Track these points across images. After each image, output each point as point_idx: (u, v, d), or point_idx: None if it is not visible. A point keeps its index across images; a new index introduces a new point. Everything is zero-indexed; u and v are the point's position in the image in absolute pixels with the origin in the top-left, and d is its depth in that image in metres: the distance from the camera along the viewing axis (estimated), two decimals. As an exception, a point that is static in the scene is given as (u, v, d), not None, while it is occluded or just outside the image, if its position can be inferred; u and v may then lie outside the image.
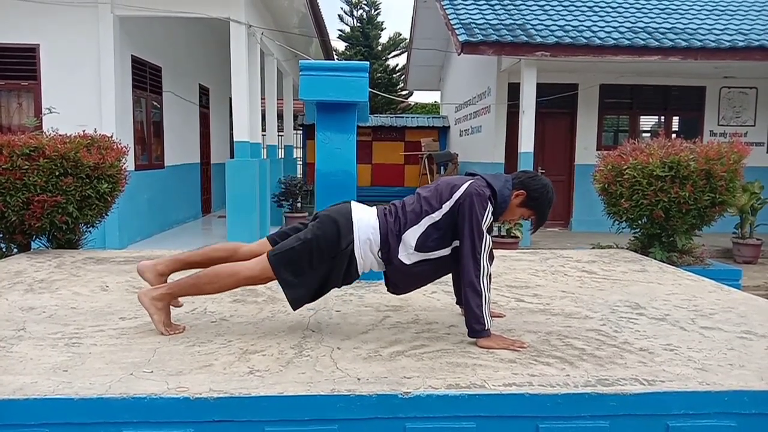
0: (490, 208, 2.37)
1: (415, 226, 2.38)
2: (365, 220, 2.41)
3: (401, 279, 2.47)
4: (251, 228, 7.95)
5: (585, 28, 9.13)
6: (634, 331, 2.60)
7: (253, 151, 8.51)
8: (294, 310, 2.49)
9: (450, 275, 2.65)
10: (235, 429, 1.85)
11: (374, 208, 2.51)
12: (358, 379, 1.99)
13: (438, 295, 3.20)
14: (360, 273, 2.45)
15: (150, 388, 1.88)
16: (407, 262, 2.38)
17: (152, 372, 2.03)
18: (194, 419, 1.84)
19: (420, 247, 2.37)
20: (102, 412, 1.82)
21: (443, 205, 2.38)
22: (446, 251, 2.41)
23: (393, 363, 2.15)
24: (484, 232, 2.34)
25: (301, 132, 16.37)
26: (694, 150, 4.64)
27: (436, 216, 2.38)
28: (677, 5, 10.27)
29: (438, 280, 2.75)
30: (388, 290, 2.55)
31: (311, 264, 2.36)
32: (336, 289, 2.53)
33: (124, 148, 4.89)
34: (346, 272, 2.41)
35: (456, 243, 2.40)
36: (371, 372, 2.05)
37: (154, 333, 2.46)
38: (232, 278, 2.44)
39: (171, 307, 2.56)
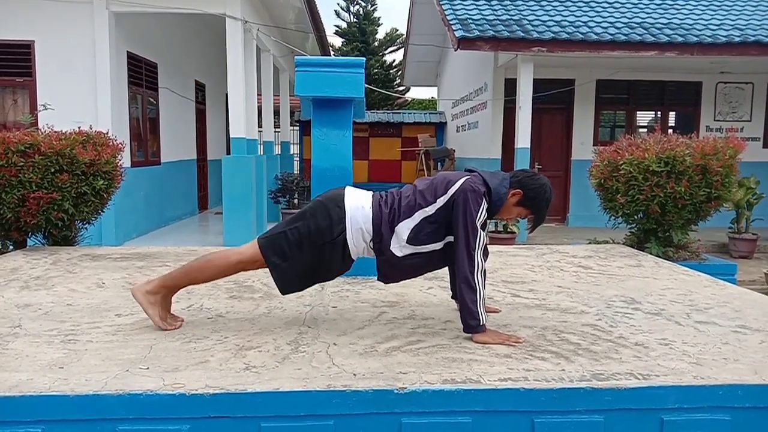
0: (484, 204, 2.37)
1: (408, 219, 2.38)
2: (359, 207, 2.41)
3: (392, 270, 2.47)
4: (248, 224, 7.95)
5: (582, 24, 9.14)
6: (629, 325, 2.61)
7: (249, 147, 8.50)
8: (282, 294, 2.48)
9: (442, 270, 2.65)
10: (231, 425, 1.85)
11: (370, 194, 2.50)
12: (354, 374, 2.00)
13: (434, 291, 3.21)
14: (354, 258, 2.46)
15: (146, 385, 1.88)
16: (399, 254, 2.39)
17: (148, 368, 2.03)
18: (190, 415, 1.84)
19: (412, 240, 2.38)
20: (98, 408, 1.82)
21: (437, 200, 2.38)
22: (438, 246, 2.42)
23: (389, 358, 2.16)
24: (478, 228, 2.34)
25: (297, 128, 16.35)
26: (690, 145, 4.65)
27: (430, 210, 2.38)
28: (673, 1, 10.27)
29: (434, 276, 2.76)
30: (378, 279, 2.56)
31: (300, 248, 2.36)
32: (331, 281, 2.52)
33: (119, 145, 4.88)
34: (339, 259, 2.41)
35: (449, 239, 2.41)
36: (367, 367, 2.06)
37: (150, 329, 2.47)
38: (223, 264, 2.46)
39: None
